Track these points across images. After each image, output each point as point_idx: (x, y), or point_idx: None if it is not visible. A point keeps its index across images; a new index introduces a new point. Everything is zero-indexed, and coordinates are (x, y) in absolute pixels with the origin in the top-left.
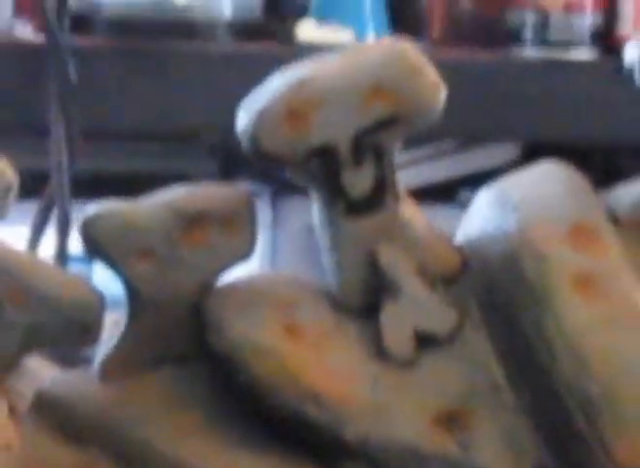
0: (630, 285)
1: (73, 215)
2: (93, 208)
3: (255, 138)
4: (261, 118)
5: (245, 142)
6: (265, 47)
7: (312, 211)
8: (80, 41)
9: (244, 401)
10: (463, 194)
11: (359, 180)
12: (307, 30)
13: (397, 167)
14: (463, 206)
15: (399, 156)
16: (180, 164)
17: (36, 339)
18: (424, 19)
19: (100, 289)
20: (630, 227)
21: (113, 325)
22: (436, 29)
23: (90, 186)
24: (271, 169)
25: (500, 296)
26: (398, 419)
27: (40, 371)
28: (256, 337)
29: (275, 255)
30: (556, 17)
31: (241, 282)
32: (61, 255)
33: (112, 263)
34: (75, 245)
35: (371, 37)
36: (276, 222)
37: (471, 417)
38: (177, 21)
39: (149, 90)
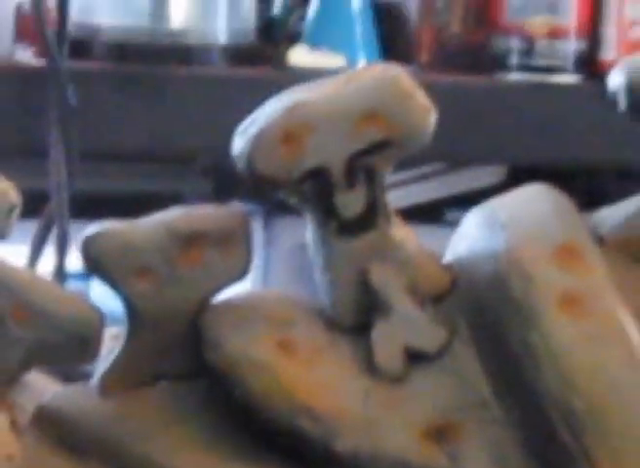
0: (614, 304)
1: (72, 234)
2: (93, 227)
3: (251, 161)
4: (258, 141)
5: (241, 165)
6: (259, 71)
7: (304, 230)
8: (79, 65)
9: (240, 414)
10: (450, 214)
11: (351, 202)
12: (300, 56)
13: (386, 188)
14: (450, 226)
15: (388, 177)
16: (175, 185)
17: (37, 355)
18: (413, 45)
19: (98, 305)
20: (614, 248)
21: (111, 339)
22: (425, 55)
23: (88, 206)
24: (264, 190)
25: (488, 315)
26: (388, 432)
27: (41, 386)
28: (251, 353)
29: (268, 274)
30: (541, 43)
31: (237, 299)
32: (60, 273)
33: (112, 282)
34: (73, 262)
35: (362, 62)
36: (268, 242)
37: (460, 431)
38: (173, 46)
39: (146, 112)
